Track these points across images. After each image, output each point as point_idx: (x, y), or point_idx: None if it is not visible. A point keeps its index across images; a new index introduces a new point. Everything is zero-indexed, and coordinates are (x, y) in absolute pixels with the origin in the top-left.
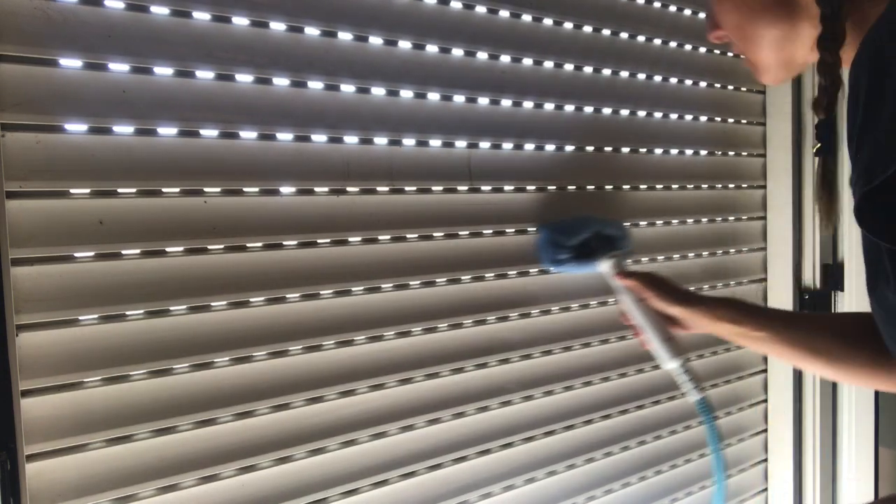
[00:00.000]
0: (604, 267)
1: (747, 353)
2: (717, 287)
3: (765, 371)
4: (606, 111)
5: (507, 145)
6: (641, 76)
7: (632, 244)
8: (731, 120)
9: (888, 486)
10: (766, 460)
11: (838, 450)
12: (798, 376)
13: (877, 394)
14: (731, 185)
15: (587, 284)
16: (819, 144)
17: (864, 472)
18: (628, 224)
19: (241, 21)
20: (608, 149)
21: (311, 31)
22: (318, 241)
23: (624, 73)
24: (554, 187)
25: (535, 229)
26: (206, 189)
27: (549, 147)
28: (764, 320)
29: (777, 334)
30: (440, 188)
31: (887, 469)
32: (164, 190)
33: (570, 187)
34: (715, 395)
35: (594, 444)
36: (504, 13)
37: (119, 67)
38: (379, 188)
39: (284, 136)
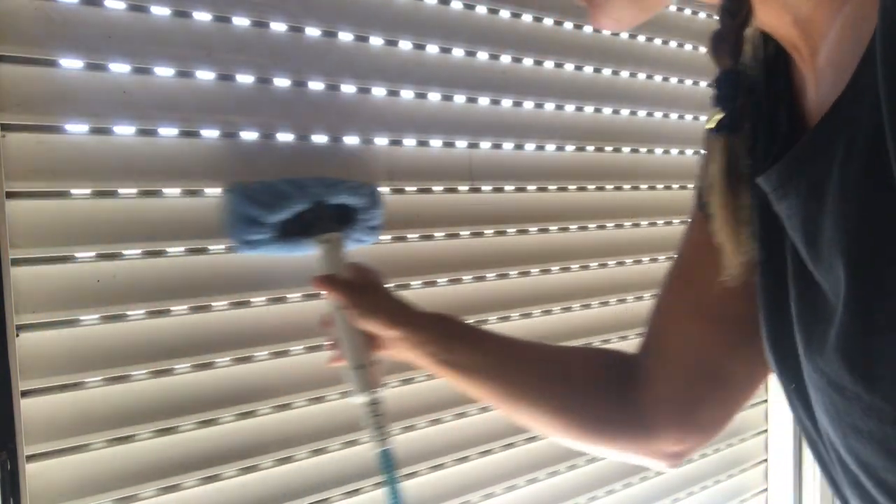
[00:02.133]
0: (316, 252)
1: None
2: None
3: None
4: (607, 111)
5: (508, 145)
6: (642, 76)
7: (379, 218)
8: None
9: None
10: (766, 460)
11: None
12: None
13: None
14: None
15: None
16: (719, 115)
17: None
18: (377, 188)
19: (241, 21)
20: (609, 149)
21: (312, 31)
22: None
23: (625, 73)
24: (554, 187)
25: (223, 193)
26: (206, 190)
27: (550, 147)
28: (478, 347)
29: (488, 369)
30: (441, 188)
31: None
32: (165, 191)
33: (570, 187)
34: None
35: None
36: (505, 13)
37: (119, 68)
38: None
39: (285, 137)
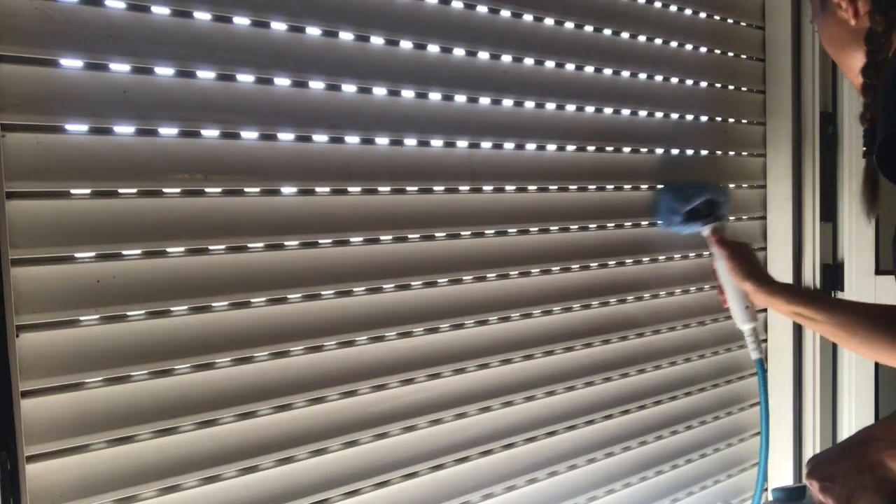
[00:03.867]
0: (706, 230)
1: (747, 354)
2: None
3: (765, 371)
4: (608, 111)
5: (509, 145)
6: (643, 76)
7: (729, 210)
8: (731, 120)
9: None
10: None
11: None
12: (798, 377)
13: (876, 394)
14: (732, 185)
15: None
16: (865, 148)
17: None
18: (730, 189)
19: (242, 21)
20: (610, 149)
21: (313, 31)
22: (320, 241)
23: (625, 73)
24: (556, 187)
25: (656, 188)
26: (207, 190)
27: (551, 147)
28: (815, 303)
29: (824, 317)
30: (442, 188)
31: None
32: (165, 190)
33: (571, 187)
34: (715, 395)
35: (596, 444)
36: (505, 13)
37: (120, 67)
38: (380, 188)
39: (286, 137)
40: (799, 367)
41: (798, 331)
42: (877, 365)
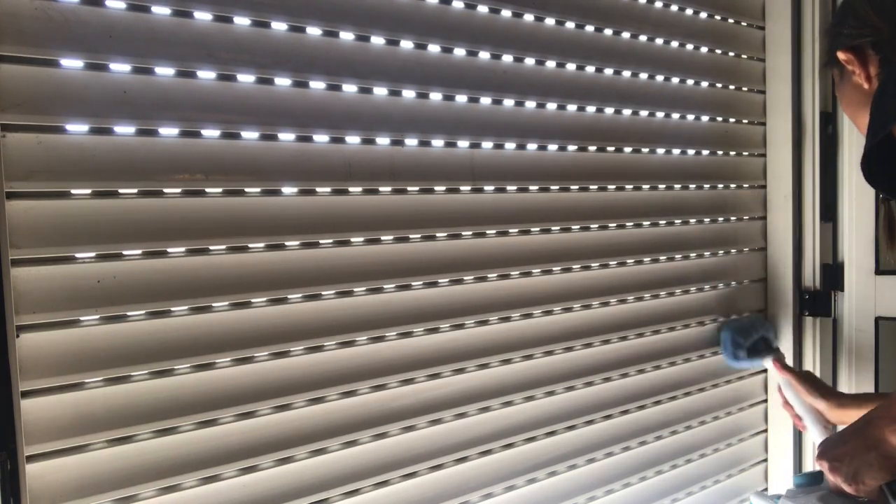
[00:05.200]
0: (767, 363)
1: None
2: (718, 287)
3: (765, 371)
4: (608, 111)
5: (510, 145)
6: (643, 76)
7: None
8: (732, 120)
9: None
10: (765, 460)
11: None
12: None
13: (876, 394)
14: (733, 185)
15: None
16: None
17: None
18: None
19: (242, 21)
20: (610, 149)
21: (313, 31)
22: (320, 241)
23: (626, 74)
24: (557, 187)
25: (717, 327)
26: (207, 190)
27: (552, 147)
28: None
29: None
30: (443, 188)
31: None
32: (166, 191)
33: (573, 187)
34: (715, 395)
35: (595, 444)
36: (506, 13)
37: (120, 67)
38: (381, 188)
39: (286, 137)
40: (799, 367)
41: (798, 331)
42: (877, 367)
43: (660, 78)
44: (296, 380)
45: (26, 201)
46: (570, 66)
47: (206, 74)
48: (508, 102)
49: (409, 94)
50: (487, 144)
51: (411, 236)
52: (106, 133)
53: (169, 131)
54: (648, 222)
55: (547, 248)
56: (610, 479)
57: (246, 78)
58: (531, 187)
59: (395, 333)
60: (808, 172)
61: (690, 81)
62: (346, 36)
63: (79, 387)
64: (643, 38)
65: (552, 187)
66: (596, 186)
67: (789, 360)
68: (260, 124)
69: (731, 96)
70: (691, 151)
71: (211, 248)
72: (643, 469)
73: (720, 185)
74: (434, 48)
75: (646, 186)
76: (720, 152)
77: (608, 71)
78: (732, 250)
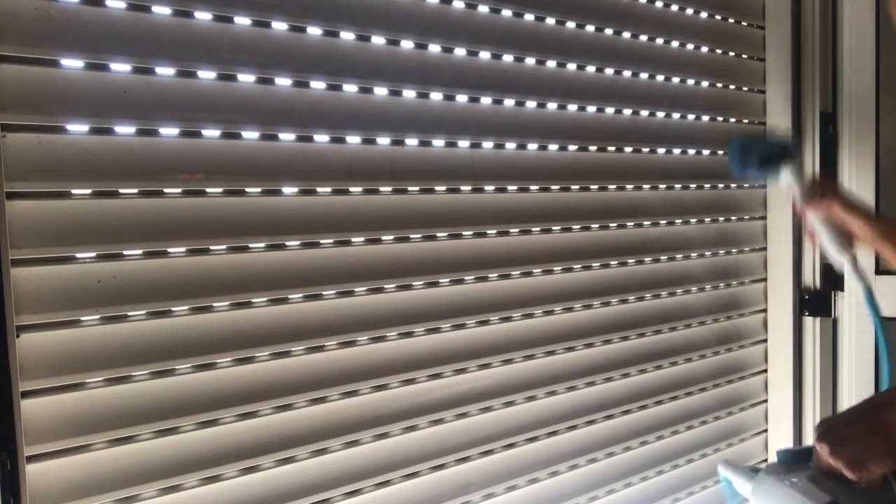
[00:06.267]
0: (784, 174)
1: (748, 353)
2: (719, 286)
3: (765, 371)
4: (609, 111)
5: (511, 145)
6: (644, 76)
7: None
8: (732, 120)
9: None
10: (765, 460)
11: None
12: (798, 376)
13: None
14: (733, 185)
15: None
16: None
17: None
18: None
19: (242, 21)
20: (611, 148)
21: (314, 31)
22: (321, 241)
23: (626, 74)
24: (558, 187)
25: (727, 143)
26: (208, 190)
27: (553, 147)
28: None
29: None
30: (443, 188)
31: None
32: (166, 190)
33: (573, 187)
34: (715, 395)
35: (596, 444)
36: (507, 13)
37: (120, 67)
38: (382, 188)
39: (287, 137)
40: (799, 367)
41: (798, 331)
42: (876, 363)
43: (660, 78)
44: (297, 380)
45: (27, 201)
46: (571, 66)
47: (207, 74)
48: (509, 102)
49: (409, 94)
50: (488, 144)
51: (412, 236)
52: (106, 133)
53: (169, 131)
54: (649, 222)
55: (548, 247)
56: (611, 478)
57: (246, 78)
58: (532, 187)
59: (396, 333)
60: (808, 173)
61: (691, 81)
62: (347, 36)
63: (79, 387)
64: (644, 38)
65: (553, 187)
66: (597, 186)
67: (789, 361)
68: (260, 124)
69: (732, 96)
70: (692, 151)
71: (211, 248)
72: (644, 469)
73: (720, 185)
74: (434, 48)
75: (646, 186)
76: (720, 152)
77: (609, 71)
78: (733, 250)
